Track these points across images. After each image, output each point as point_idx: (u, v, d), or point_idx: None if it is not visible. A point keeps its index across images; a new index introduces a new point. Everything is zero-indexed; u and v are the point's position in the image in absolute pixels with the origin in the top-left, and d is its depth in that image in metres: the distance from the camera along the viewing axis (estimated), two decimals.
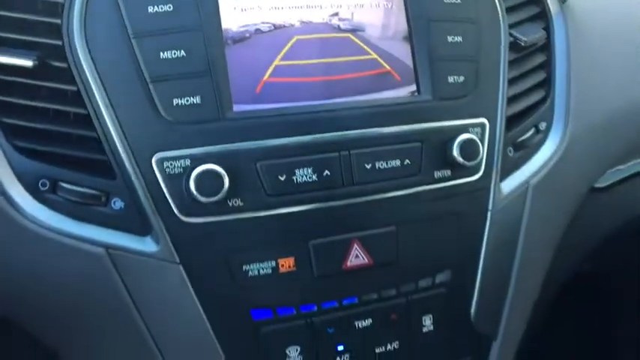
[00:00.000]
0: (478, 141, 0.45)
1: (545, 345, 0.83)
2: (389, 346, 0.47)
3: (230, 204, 0.41)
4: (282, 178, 0.41)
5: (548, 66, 0.54)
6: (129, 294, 0.41)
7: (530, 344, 0.62)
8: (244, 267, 0.42)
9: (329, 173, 0.42)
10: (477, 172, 0.47)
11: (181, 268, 0.41)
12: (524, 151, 0.52)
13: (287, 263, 0.43)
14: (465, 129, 0.46)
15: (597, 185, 0.63)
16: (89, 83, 0.39)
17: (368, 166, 0.43)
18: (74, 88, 0.39)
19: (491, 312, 0.52)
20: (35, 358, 0.51)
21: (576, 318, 0.90)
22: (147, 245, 0.41)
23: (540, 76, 0.54)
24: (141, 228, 0.41)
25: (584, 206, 0.60)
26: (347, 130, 0.43)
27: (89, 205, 0.40)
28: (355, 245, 0.44)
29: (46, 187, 0.39)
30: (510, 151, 0.51)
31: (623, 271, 0.81)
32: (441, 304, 0.48)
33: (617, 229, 0.66)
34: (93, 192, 0.40)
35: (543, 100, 0.54)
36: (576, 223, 0.60)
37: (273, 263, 0.43)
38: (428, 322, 0.48)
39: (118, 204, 0.40)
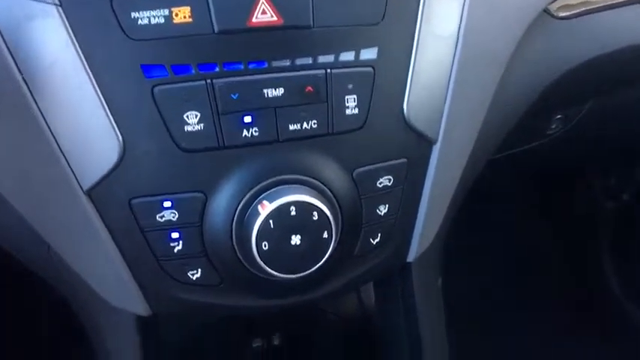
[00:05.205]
0: None
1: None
2: (305, 125, 0.42)
3: None
4: None
5: None
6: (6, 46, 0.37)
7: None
8: (132, 14, 0.37)
9: None
10: None
11: (61, 11, 0.37)
12: None
13: (182, 13, 0.38)
14: None
15: (556, 14, 0.58)
16: None
17: None
18: None
19: (428, 110, 0.46)
20: None
21: None
22: None
23: None
24: None
25: (538, 35, 0.55)
26: None
27: None
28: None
29: None
30: None
31: None
32: (366, 85, 0.43)
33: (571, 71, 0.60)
34: None
35: None
36: (527, 57, 0.54)
37: (166, 12, 0.38)
38: (352, 103, 0.43)
39: None
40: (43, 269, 0.50)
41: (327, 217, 0.42)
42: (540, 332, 1.19)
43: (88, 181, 0.40)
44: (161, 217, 0.41)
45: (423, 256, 0.53)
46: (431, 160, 0.48)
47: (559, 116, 0.73)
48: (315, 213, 0.41)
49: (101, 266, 0.44)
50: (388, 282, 0.60)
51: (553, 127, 0.74)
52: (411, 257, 0.52)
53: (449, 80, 0.47)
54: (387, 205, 0.47)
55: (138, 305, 0.46)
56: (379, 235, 0.48)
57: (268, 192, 0.41)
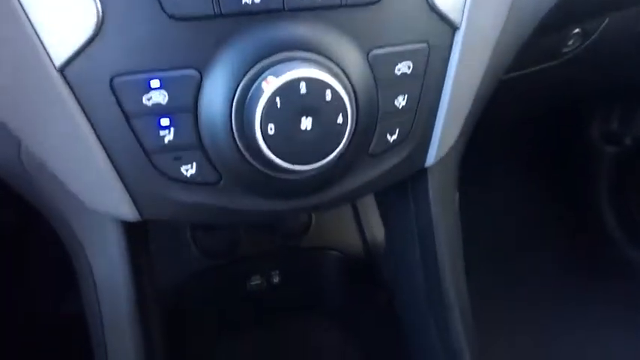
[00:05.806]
0: None
1: None
2: None
3: None
4: None
5: None
6: None
7: None
8: None
9: None
10: None
11: None
12: None
13: None
14: None
15: None
16: None
17: None
18: None
19: None
20: None
21: None
22: None
23: None
24: None
25: None
26: None
27: None
28: None
29: None
30: None
31: None
32: None
33: None
34: None
35: None
36: None
37: None
38: None
39: None
40: (14, 176, 0.44)
41: (342, 98, 0.36)
42: (541, 275, 1.17)
43: (61, 55, 0.34)
44: (148, 100, 0.35)
45: (441, 163, 0.48)
46: (453, 49, 0.43)
47: (577, 30, 0.68)
48: (328, 92, 0.36)
49: (80, 163, 0.38)
50: (400, 194, 0.54)
51: (570, 43, 0.69)
52: (429, 161, 0.47)
53: None
54: (405, 96, 0.41)
55: (124, 209, 0.40)
56: (397, 131, 0.43)
57: (274, 67, 0.36)
